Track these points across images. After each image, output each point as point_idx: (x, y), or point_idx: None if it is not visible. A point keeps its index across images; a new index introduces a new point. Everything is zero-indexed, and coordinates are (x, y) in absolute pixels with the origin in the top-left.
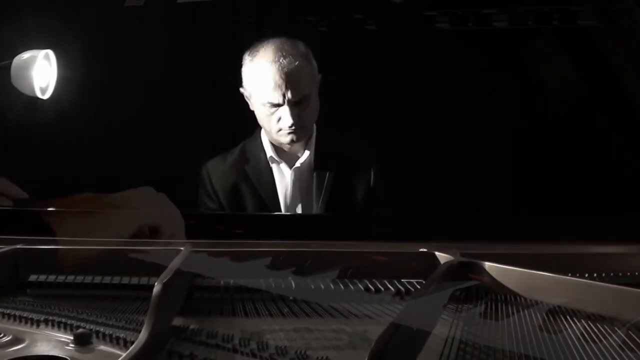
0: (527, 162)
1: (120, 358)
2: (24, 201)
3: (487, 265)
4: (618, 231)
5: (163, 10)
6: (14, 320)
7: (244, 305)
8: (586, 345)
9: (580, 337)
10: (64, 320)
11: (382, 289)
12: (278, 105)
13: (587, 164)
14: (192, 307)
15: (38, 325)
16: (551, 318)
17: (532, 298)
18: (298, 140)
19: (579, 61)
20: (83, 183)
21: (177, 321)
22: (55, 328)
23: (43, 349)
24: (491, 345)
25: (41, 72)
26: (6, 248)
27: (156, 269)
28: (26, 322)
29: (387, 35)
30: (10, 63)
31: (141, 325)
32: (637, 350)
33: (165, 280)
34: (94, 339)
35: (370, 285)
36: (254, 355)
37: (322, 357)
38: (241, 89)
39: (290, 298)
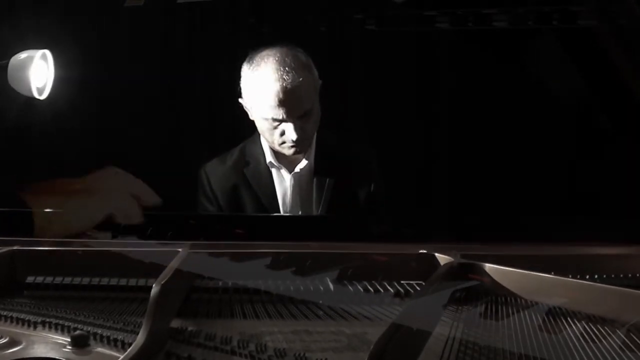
0: (528, 162)
1: None
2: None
3: (487, 266)
4: (618, 233)
5: (163, 10)
6: (11, 322)
7: (243, 307)
8: (586, 346)
9: (580, 338)
10: (61, 322)
11: (382, 290)
12: (281, 121)
13: (586, 164)
14: (190, 308)
15: (35, 327)
16: (551, 319)
17: (532, 299)
18: (302, 152)
19: (579, 61)
20: None
21: (176, 323)
22: (53, 330)
23: (40, 351)
24: (491, 346)
25: (38, 72)
26: (3, 249)
27: (154, 270)
28: (23, 324)
29: (387, 35)
30: (7, 63)
31: (139, 327)
32: (637, 351)
33: (164, 281)
34: (92, 341)
35: (369, 287)
36: (252, 358)
37: None
38: (240, 100)
39: (290, 299)
